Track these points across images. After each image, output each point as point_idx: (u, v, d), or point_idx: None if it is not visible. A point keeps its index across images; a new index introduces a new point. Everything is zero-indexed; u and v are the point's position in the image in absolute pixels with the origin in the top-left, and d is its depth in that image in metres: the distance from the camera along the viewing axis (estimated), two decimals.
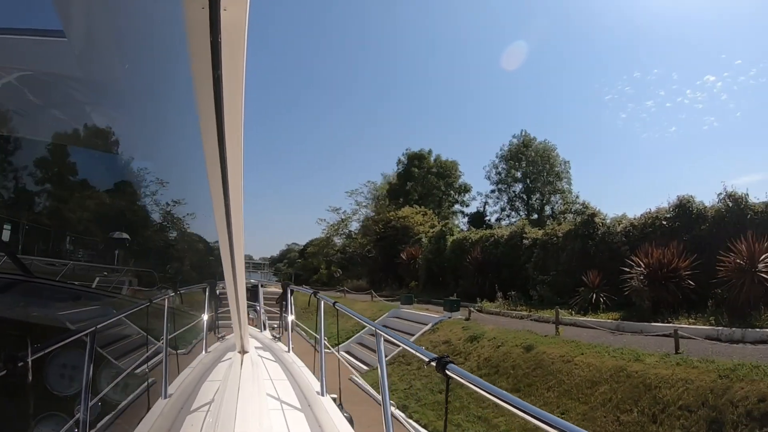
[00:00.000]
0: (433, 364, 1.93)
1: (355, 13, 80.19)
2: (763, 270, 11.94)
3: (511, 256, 21.59)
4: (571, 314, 14.83)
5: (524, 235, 21.67)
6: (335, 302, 4.18)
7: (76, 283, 8.59)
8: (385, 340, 2.91)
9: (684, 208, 15.83)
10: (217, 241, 2.91)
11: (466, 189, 46.48)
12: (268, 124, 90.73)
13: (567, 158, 42.27)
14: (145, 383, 4.42)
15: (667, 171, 62.55)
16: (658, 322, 12.49)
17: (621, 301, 14.97)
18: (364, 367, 14.65)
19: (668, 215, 16.22)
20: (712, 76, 52.74)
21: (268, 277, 38.40)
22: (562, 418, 5.28)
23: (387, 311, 20.11)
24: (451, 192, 45.65)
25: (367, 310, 21.64)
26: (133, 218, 13.81)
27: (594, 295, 15.59)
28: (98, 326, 2.74)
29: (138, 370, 4.39)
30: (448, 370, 1.82)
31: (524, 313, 16.31)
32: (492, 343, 12.33)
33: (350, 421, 3.23)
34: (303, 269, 42.19)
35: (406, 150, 46.08)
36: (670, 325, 11.40)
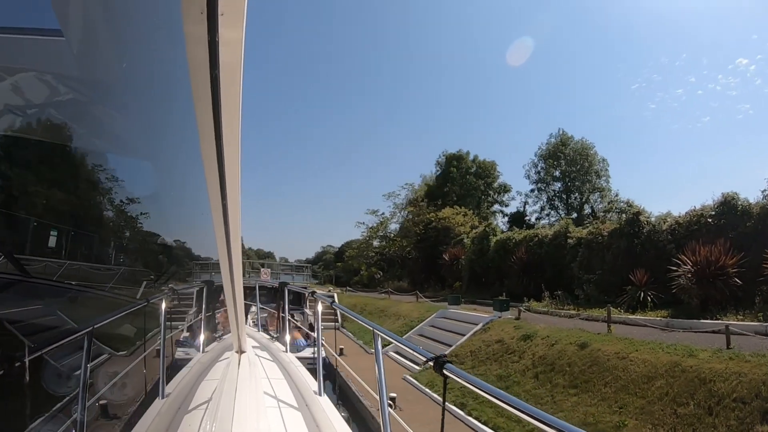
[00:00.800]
0: (431, 364, 1.92)
1: (369, 12, 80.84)
2: None
3: (556, 256, 22.04)
4: (620, 312, 15.25)
5: (568, 234, 22.08)
6: (333, 302, 4.17)
7: (73, 282, 8.61)
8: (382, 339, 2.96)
9: (729, 206, 16.07)
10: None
11: (505, 189, 46.65)
12: (293, 126, 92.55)
13: (604, 156, 42.18)
14: (143, 383, 4.51)
15: (700, 162, 60.39)
16: (706, 319, 12.85)
17: (668, 299, 15.34)
18: (416, 367, 15.19)
19: (713, 213, 16.46)
20: (744, 59, 50.46)
21: (309, 280, 39.23)
22: (620, 412, 6.16)
23: (434, 312, 20.74)
24: (491, 192, 45.92)
25: (414, 311, 22.42)
26: (132, 217, 13.90)
27: (641, 294, 15.97)
28: (95, 326, 2.74)
29: (135, 370, 4.36)
30: (445, 369, 1.82)
31: (573, 312, 16.80)
32: (545, 341, 12.95)
33: (347, 420, 3.23)
34: (342, 271, 43.11)
35: (443, 152, 46.85)
36: (720, 321, 11.79)
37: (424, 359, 2.04)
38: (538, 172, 43.87)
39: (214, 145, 1.73)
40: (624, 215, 23.01)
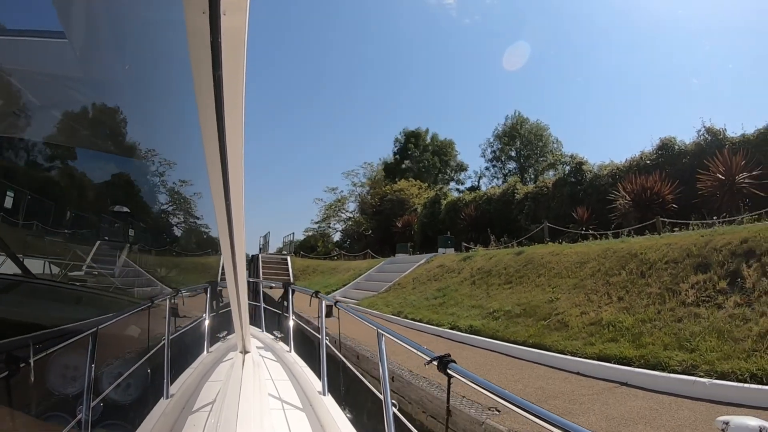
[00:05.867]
0: (434, 363, 1.84)
1: (353, 7, 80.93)
2: (742, 181, 12.52)
3: (504, 211, 22.00)
4: (561, 243, 15.18)
5: (515, 191, 22.15)
6: (336, 302, 4.23)
7: (77, 284, 8.67)
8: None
9: (666, 148, 16.46)
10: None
11: (462, 168, 46.99)
12: (267, 130, 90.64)
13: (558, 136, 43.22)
14: (147, 383, 4.52)
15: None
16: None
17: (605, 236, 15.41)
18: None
19: (652, 156, 16.81)
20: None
21: (266, 248, 38.80)
22: (552, 292, 7.85)
23: (382, 262, 20.35)
24: (447, 170, 46.08)
25: (364, 264, 22.02)
26: (135, 219, 13.88)
27: (583, 230, 16.01)
28: (100, 327, 2.76)
29: (139, 370, 4.40)
30: (449, 369, 1.76)
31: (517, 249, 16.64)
32: (484, 257, 12.72)
33: (352, 420, 3.15)
34: (300, 248, 42.30)
35: (403, 129, 46.64)
36: (655, 234, 11.81)
37: (428, 359, 1.90)
38: (494, 152, 44.55)
39: (218, 145, 1.71)
40: (568, 167, 23.19)
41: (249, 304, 4.39)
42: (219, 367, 4.96)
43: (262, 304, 8.81)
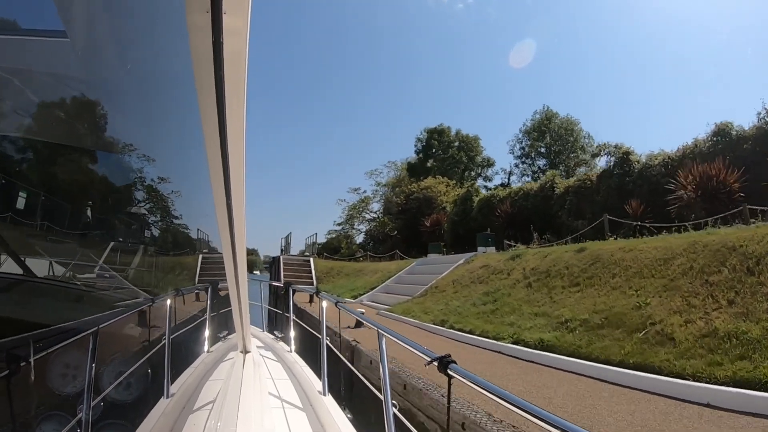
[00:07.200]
0: (435, 364, 1.81)
1: (354, 7, 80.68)
2: None
3: (543, 207, 20.60)
4: (616, 239, 13.71)
5: (554, 185, 20.70)
6: (337, 302, 4.19)
7: (78, 283, 8.56)
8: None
9: (723, 134, 15.04)
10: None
11: (489, 163, 44.94)
12: (283, 130, 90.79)
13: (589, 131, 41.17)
14: (148, 383, 4.54)
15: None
16: None
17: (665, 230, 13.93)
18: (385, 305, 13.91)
19: (708, 143, 15.31)
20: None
21: (287, 250, 38.38)
22: (637, 295, 5.22)
23: (412, 263, 19.05)
24: (473, 166, 44.25)
25: (392, 266, 20.75)
26: (137, 219, 13.86)
27: (638, 225, 14.52)
28: (101, 326, 2.77)
29: (140, 370, 4.42)
30: (450, 370, 1.73)
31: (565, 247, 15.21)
32: (537, 255, 11.30)
33: (352, 421, 3.11)
34: (324, 249, 41.38)
35: (425, 128, 45.06)
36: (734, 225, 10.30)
37: (428, 359, 1.86)
38: (523, 148, 42.53)
39: (219, 145, 1.70)
40: (613, 158, 21.45)
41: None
42: (219, 366, 5.01)
43: (263, 304, 8.97)
